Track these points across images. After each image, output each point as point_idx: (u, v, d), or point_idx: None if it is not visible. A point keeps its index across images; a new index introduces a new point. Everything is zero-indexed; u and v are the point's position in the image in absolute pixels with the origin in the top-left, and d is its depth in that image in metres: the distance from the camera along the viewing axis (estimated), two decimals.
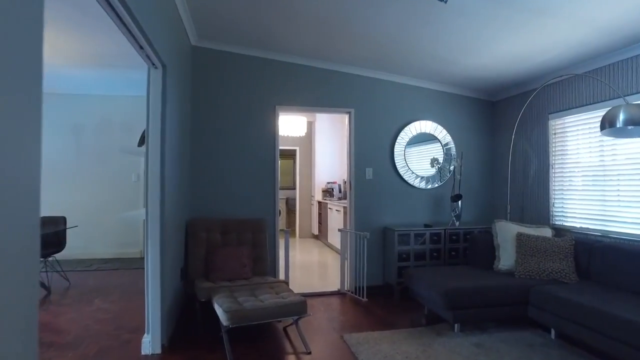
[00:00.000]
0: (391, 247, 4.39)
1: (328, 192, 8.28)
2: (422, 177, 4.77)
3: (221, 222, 4.10)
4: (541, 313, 3.12)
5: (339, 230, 4.56)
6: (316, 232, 8.68)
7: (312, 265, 6.06)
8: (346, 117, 4.70)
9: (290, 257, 6.91)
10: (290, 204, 10.72)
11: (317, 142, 8.64)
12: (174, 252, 3.36)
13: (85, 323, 3.44)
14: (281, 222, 10.39)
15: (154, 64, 2.83)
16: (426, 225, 4.51)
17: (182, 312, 3.72)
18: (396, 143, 4.68)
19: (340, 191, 8.24)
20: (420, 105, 4.80)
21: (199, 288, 3.37)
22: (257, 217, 4.34)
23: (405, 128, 4.71)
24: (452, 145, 4.87)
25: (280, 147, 9.69)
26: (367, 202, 4.59)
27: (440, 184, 4.81)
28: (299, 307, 2.91)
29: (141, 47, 2.48)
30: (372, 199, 4.61)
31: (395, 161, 4.67)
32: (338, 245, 6.20)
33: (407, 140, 4.72)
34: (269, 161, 4.37)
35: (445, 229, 4.45)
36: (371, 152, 4.63)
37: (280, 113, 4.51)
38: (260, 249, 4.07)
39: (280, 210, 10.58)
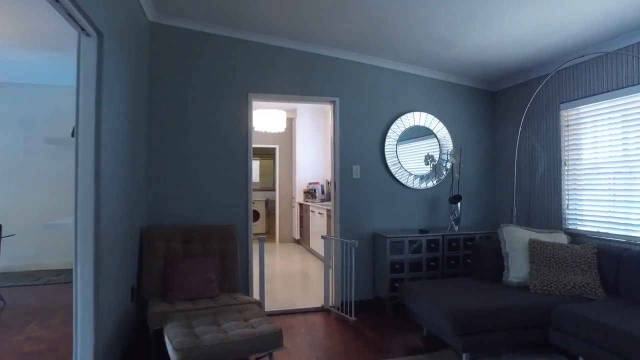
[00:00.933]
0: (382, 256, 3.82)
1: (310, 193, 7.69)
2: (416, 176, 4.22)
3: (184, 229, 3.46)
4: (566, 337, 2.59)
5: (322, 237, 3.97)
6: (297, 236, 8.08)
7: (293, 275, 5.45)
8: (330, 108, 4.11)
9: (269, 265, 6.33)
10: (270, 206, 10.09)
11: (298, 140, 8.04)
12: (120, 267, 2.71)
13: None
14: (259, 226, 9.77)
15: (83, 29, 2.18)
16: (422, 231, 3.96)
17: (132, 342, 3.06)
18: (387, 137, 4.12)
19: (323, 192, 7.66)
20: (414, 95, 4.26)
21: (151, 312, 2.73)
22: (227, 223, 3.72)
23: (398, 120, 4.16)
24: (449, 140, 4.34)
25: (259, 145, 9.11)
26: (354, 204, 4.01)
27: (435, 183, 4.27)
28: (272, 339, 2.30)
29: (57, 0, 1.84)
30: (360, 201, 4.03)
31: (386, 157, 4.11)
32: (321, 252, 5.64)
33: (400, 134, 4.17)
34: (240, 158, 3.75)
35: (443, 235, 3.91)
36: (359, 148, 4.06)
37: (253, 101, 3.90)
38: (229, 261, 3.45)
39: (259, 213, 9.95)
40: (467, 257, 3.96)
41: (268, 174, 10.43)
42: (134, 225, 3.14)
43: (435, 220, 4.26)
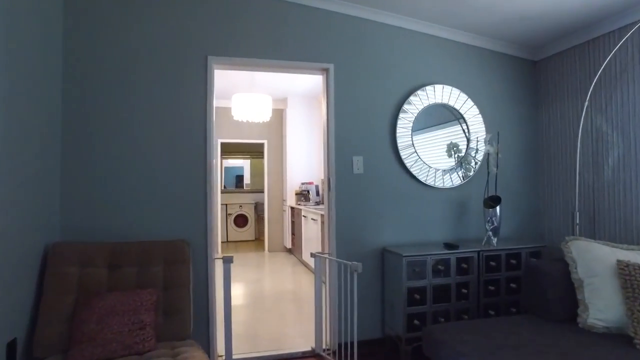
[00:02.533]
0: (396, 281, 2.76)
1: (303, 195, 6.63)
2: (438, 170, 3.16)
3: (111, 248, 2.40)
4: None
5: (312, 255, 2.90)
6: (289, 245, 7.00)
7: (281, 297, 4.37)
8: (321, 78, 3.05)
9: (254, 282, 5.24)
10: (260, 210, 9.03)
11: (289, 133, 6.98)
12: None
13: None
14: (248, 232, 8.70)
15: None
16: (448, 246, 2.90)
17: None
18: (400, 118, 3.06)
19: (318, 194, 6.59)
20: (434, 63, 3.20)
21: None
22: (175, 237, 2.65)
23: (413, 96, 3.10)
24: (479, 122, 3.28)
25: (245, 141, 8.00)
26: (355, 209, 2.95)
27: (463, 181, 3.21)
28: None
29: None
30: (364, 205, 2.97)
31: (399, 145, 3.05)
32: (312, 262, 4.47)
33: (417, 114, 3.11)
34: (197, 149, 2.69)
35: (479, 252, 2.84)
36: (361, 132, 3.00)
37: (215, 68, 2.83)
38: (177, 292, 2.39)
39: (247, 218, 8.87)
40: (510, 280, 2.90)
41: (260, 174, 9.37)
42: (33, 244, 2.07)
43: (463, 230, 3.20)
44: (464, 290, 2.77)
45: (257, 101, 5.03)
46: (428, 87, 3.14)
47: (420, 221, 3.09)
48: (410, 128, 3.09)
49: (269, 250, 7.38)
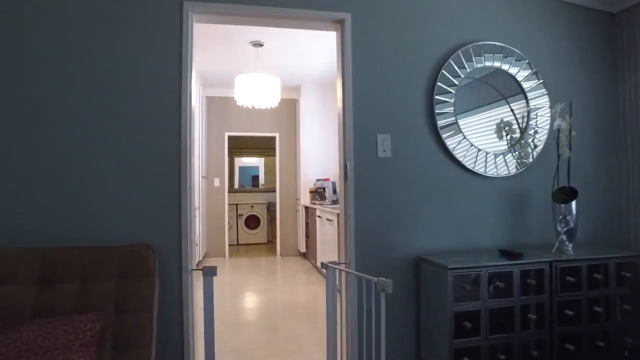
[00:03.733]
0: (437, 302, 2.01)
1: (318, 193, 5.92)
2: (489, 154, 2.41)
3: (41, 255, 1.75)
4: None
5: (323, 265, 2.17)
6: (303, 248, 6.31)
7: (291, 312, 3.67)
8: (334, 35, 2.34)
9: (260, 293, 4.48)
10: (272, 211, 8.38)
11: (303, 125, 6.30)
12: None
13: None
14: (259, 235, 8.05)
15: None
16: (506, 254, 2.14)
17: None
18: (438, 85, 2.32)
19: (335, 191, 5.87)
20: (481, 14, 2.45)
21: None
22: (135, 240, 1.97)
23: (455, 58, 2.35)
24: (542, 93, 2.51)
25: (255, 134, 7.29)
26: (380, 204, 2.22)
27: (520, 169, 2.44)
28: None
29: None
30: (392, 198, 2.24)
31: (438, 121, 2.31)
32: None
33: (460, 81, 2.36)
34: (167, 128, 2.02)
35: (551, 262, 2.07)
36: (388, 103, 2.27)
37: (195, 19, 2.15)
38: (134, 318, 1.73)
39: (259, 219, 8.22)
40: (592, 301, 2.12)
41: (273, 172, 8.73)
42: None
43: (522, 233, 2.43)
44: (532, 316, 2.01)
45: (264, 83, 4.35)
46: (474, 46, 2.39)
47: (466, 221, 2.34)
48: (452, 98, 2.35)
49: (281, 255, 6.69)
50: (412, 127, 2.29)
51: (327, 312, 2.13)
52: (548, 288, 2.04)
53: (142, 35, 2.00)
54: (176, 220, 2.00)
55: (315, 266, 5.57)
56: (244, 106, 4.58)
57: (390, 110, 2.26)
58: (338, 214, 4.06)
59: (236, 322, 3.39)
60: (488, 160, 2.40)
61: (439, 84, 2.32)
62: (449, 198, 2.32)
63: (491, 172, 2.39)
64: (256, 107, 4.79)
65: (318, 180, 6.00)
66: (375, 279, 1.70)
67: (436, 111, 2.31)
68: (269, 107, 4.65)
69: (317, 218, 5.18)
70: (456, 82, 2.35)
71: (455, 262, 1.97)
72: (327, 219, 4.62)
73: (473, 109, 2.41)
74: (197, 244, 5.27)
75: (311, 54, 4.88)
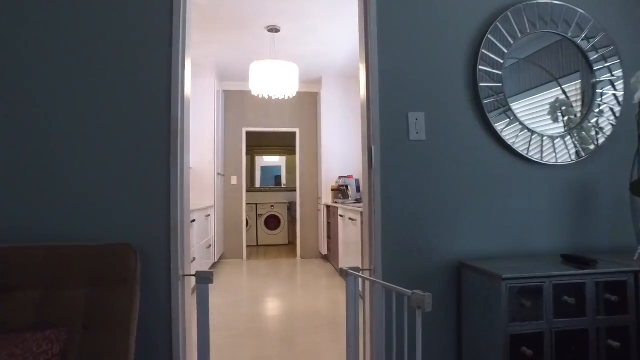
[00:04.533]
0: (487, 321, 1.59)
1: (340, 191, 5.54)
2: (545, 138, 1.96)
3: None
4: None
5: (342, 271, 1.78)
6: (325, 250, 5.93)
7: (309, 322, 3.30)
8: (355, 18, 1.96)
9: (276, 299, 3.93)
10: (293, 211, 8.04)
11: (325, 120, 5.94)
12: None
13: None
14: (280, 236, 7.73)
15: None
16: (574, 260, 1.70)
17: None
18: (483, 52, 1.90)
19: (359, 190, 5.48)
20: None
21: None
22: (112, 239, 1.63)
23: (503, 21, 1.93)
24: (613, 62, 2.04)
25: (273, 129, 6.96)
26: (413, 197, 1.81)
27: (583, 156, 1.99)
28: None
29: None
30: (427, 191, 1.83)
31: (482, 97, 1.89)
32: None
33: (510, 48, 1.93)
34: (153, 107, 1.68)
35: (637, 273, 1.61)
36: (421, 75, 1.86)
37: None
38: (106, 336, 1.40)
39: (280, 219, 7.89)
40: None
41: (295, 171, 8.41)
42: None
43: (587, 234, 1.97)
44: (614, 343, 1.56)
45: (280, 70, 4.00)
46: (526, 5, 1.96)
47: (519, 218, 1.91)
48: (499, 69, 1.92)
49: (301, 257, 6.34)
50: (450, 103, 1.88)
51: (347, 330, 1.74)
52: (634, 307, 1.59)
53: (126, 13, 1.68)
54: (164, 217, 1.65)
55: (337, 269, 5.19)
56: (260, 96, 4.24)
57: (424, 83, 1.86)
58: (362, 213, 3.67)
59: (247, 332, 3.05)
60: (545, 145, 1.95)
61: (483, 51, 1.90)
62: (496, 190, 1.89)
63: (549, 158, 1.94)
64: (273, 98, 4.45)
65: (340, 177, 5.61)
66: (409, 292, 1.31)
67: (480, 84, 1.89)
68: (286, 97, 4.29)
69: (339, 218, 4.79)
70: (504, 50, 1.93)
71: (510, 270, 1.54)
72: (350, 219, 4.23)
73: (525, 87, 1.97)
74: (211, 245, 4.97)
75: (331, 41, 4.51)
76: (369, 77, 1.83)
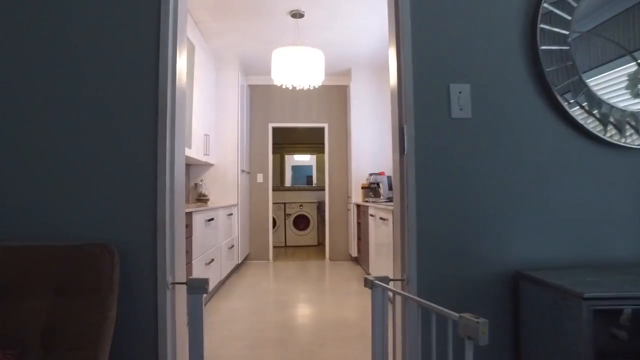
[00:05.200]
0: (564, 356, 1.20)
1: (371, 189, 5.17)
2: (627, 114, 1.54)
3: None
4: None
5: (367, 281, 1.44)
6: (355, 252, 5.58)
7: (336, 333, 2.96)
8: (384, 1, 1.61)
9: (301, 305, 3.58)
10: (323, 211, 7.72)
11: (354, 114, 5.59)
12: None
13: None
14: (309, 237, 7.44)
15: None
16: None
17: None
18: (544, 7, 1.51)
19: (390, 187, 5.09)
20: None
21: None
22: (85, 238, 1.35)
23: None
24: None
25: (301, 125, 6.62)
26: (454, 191, 1.44)
27: None
28: None
29: None
30: (473, 182, 1.45)
31: (544, 64, 1.49)
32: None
33: (579, 2, 1.53)
34: (134, 77, 1.40)
35: None
36: (465, 36, 1.49)
37: None
38: (71, 359, 1.11)
39: (309, 219, 7.60)
40: None
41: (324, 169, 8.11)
42: None
43: None
44: None
45: (305, 56, 3.70)
46: None
47: (594, 218, 1.50)
48: (567, 29, 1.52)
49: (330, 259, 6.01)
50: (502, 72, 1.50)
51: (373, 353, 1.39)
52: None
53: None
54: (149, 213, 1.37)
55: (368, 273, 4.82)
56: (284, 86, 3.96)
57: (469, 47, 1.49)
58: (393, 211, 3.30)
59: (266, 342, 2.75)
60: (627, 123, 1.53)
61: (545, 5, 1.51)
62: (564, 181, 1.49)
63: (632, 140, 1.52)
64: (297, 88, 4.14)
65: (371, 174, 5.24)
66: (456, 315, 0.95)
67: (541, 47, 1.50)
68: (311, 87, 3.97)
69: (370, 217, 4.43)
70: (573, 4, 1.52)
71: (591, 286, 1.15)
72: (381, 218, 3.86)
73: (595, 60, 1.56)
74: (233, 246, 4.73)
75: (360, 26, 4.17)
76: (400, 40, 1.48)
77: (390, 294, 1.33)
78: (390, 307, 1.42)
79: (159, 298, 1.36)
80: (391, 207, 3.40)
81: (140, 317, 1.35)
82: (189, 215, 2.86)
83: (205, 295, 1.37)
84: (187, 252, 2.77)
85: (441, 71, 1.47)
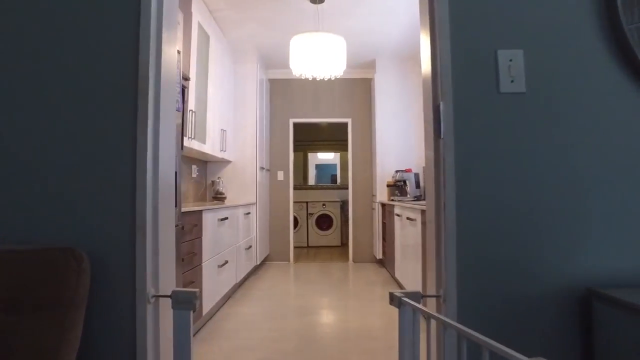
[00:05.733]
0: None
1: (397, 187, 4.85)
2: None
3: None
4: None
5: (394, 297, 1.16)
6: (379, 254, 5.26)
7: (363, 345, 2.68)
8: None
9: (320, 312, 3.23)
10: (346, 210, 7.43)
11: (379, 108, 5.28)
12: None
13: None
14: (332, 237, 7.19)
15: None
16: None
17: None
18: None
19: (418, 186, 4.76)
20: None
21: None
22: (47, 242, 1.11)
23: None
24: None
25: (324, 120, 6.18)
26: (504, 184, 1.14)
27: None
28: None
29: None
30: (528, 174, 1.14)
31: (627, 24, 1.17)
32: (412, 284, 2.36)
33: None
34: (109, 45, 1.16)
35: None
36: None
37: None
38: None
39: (332, 219, 7.32)
40: None
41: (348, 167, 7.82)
42: None
43: None
44: None
45: (325, 43, 3.43)
46: None
47: None
48: None
49: (353, 261, 5.72)
50: (565, 35, 1.18)
51: None
52: None
53: None
54: (126, 214, 1.13)
55: (392, 277, 4.51)
56: (303, 76, 3.70)
57: (523, 2, 1.18)
58: (422, 211, 2.98)
59: (280, 355, 2.49)
60: None
61: None
62: None
63: None
64: (318, 79, 3.87)
65: (397, 171, 4.92)
66: (511, 352, 0.66)
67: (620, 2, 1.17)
68: (333, 77, 3.70)
69: (396, 217, 4.12)
70: None
71: None
72: (408, 218, 3.55)
73: None
74: (251, 246, 4.51)
75: (385, 11, 3.87)
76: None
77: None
78: (422, 325, 1.13)
79: (138, 314, 1.12)
80: (418, 207, 3.08)
81: (114, 337, 1.11)
82: (198, 214, 2.64)
83: (193, 312, 1.12)
84: (195, 254, 2.55)
85: (487, 33, 1.17)
